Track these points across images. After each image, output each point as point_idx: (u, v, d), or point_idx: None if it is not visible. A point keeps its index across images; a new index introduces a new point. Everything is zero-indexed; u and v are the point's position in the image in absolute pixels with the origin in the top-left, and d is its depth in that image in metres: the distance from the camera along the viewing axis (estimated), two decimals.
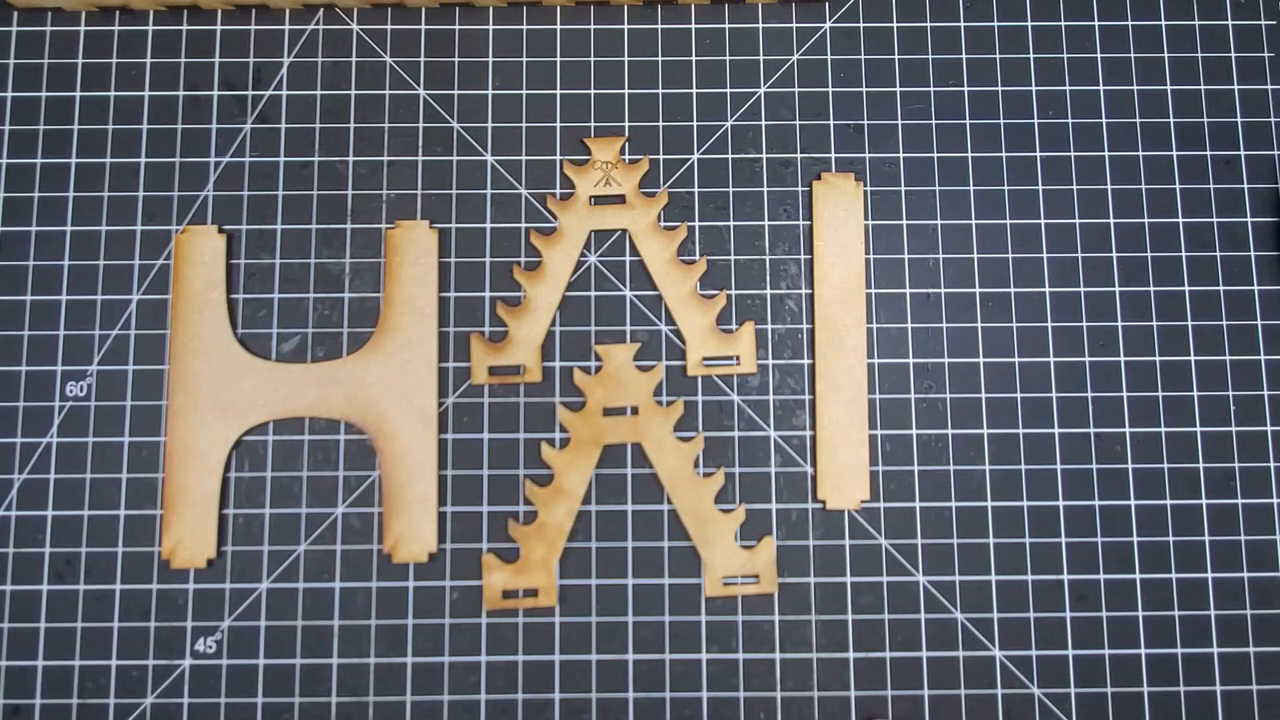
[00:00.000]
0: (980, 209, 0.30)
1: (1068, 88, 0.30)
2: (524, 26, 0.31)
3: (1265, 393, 0.29)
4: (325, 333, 0.29)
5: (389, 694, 0.28)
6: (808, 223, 0.30)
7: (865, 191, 0.30)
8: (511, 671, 0.28)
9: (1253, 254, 0.30)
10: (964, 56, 0.31)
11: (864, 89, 0.30)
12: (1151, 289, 0.30)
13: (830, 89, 0.30)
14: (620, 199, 0.30)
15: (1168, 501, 0.29)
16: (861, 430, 0.29)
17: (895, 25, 0.31)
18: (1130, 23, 0.31)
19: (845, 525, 0.29)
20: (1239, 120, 0.30)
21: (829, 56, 0.31)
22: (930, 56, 0.31)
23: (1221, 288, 0.30)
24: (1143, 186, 0.30)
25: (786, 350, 0.29)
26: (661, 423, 0.29)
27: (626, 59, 0.30)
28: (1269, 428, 0.29)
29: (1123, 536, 0.29)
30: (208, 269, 0.29)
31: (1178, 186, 0.30)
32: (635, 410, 0.29)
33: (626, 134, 0.30)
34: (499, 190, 0.30)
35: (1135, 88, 0.30)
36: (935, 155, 0.30)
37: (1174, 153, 0.30)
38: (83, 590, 0.28)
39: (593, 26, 0.31)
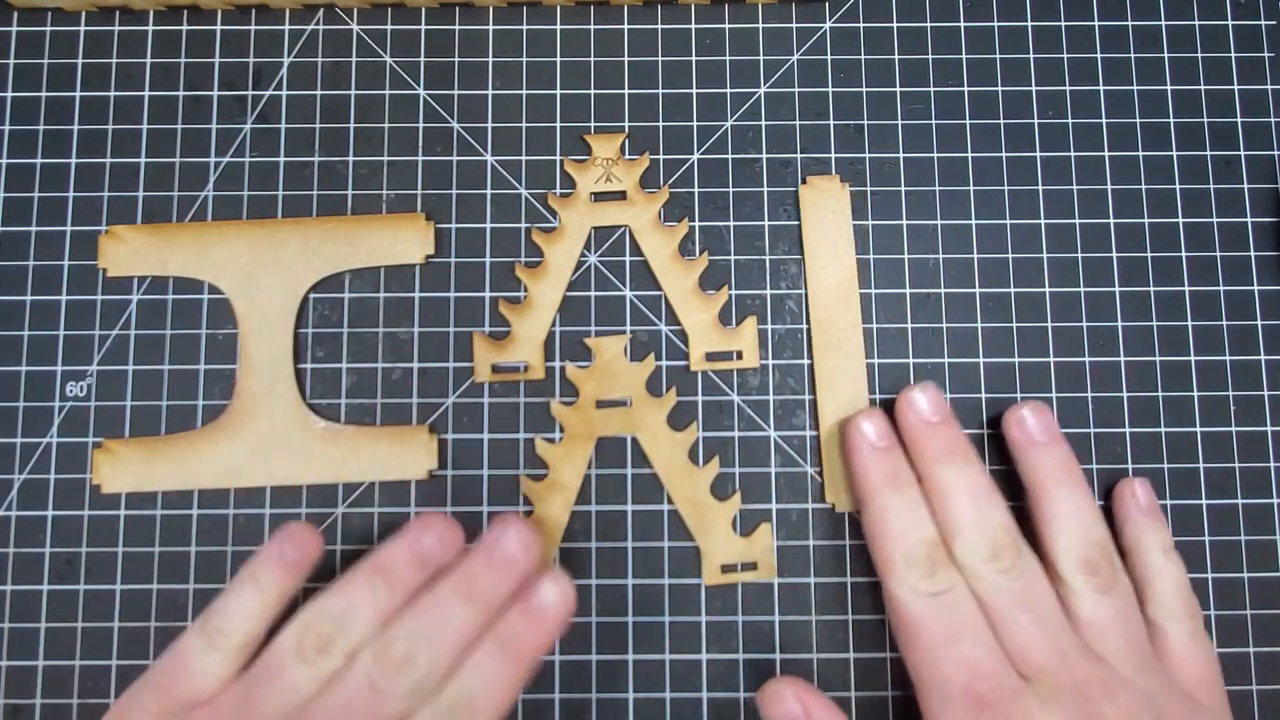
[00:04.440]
0: (980, 209, 0.30)
1: (1068, 88, 0.30)
2: (524, 26, 0.31)
3: (1265, 393, 0.29)
4: (324, 333, 0.29)
5: None
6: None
7: (866, 192, 0.30)
8: None
9: (1253, 254, 0.30)
10: (964, 56, 0.31)
11: (864, 89, 0.30)
12: (1151, 289, 0.30)
13: (830, 89, 0.30)
14: (621, 195, 0.30)
15: (1168, 501, 0.29)
16: None
17: (895, 25, 0.31)
18: (1130, 23, 0.31)
19: (845, 525, 0.29)
20: (1239, 120, 0.30)
21: (829, 56, 0.31)
22: (930, 56, 0.31)
23: (1221, 288, 0.30)
24: (1143, 186, 0.30)
25: (787, 350, 0.29)
26: (655, 414, 0.29)
27: (626, 59, 0.30)
28: (1269, 428, 0.29)
29: None
30: None
31: (1178, 186, 0.30)
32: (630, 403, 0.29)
33: (627, 133, 0.30)
34: (499, 190, 0.30)
35: (1135, 88, 0.30)
36: (935, 155, 0.30)
37: (1174, 153, 0.30)
38: (83, 590, 0.28)
39: (593, 26, 0.31)
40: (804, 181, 0.30)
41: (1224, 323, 0.29)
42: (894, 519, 0.25)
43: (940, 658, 0.24)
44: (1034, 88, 0.30)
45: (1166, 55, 0.31)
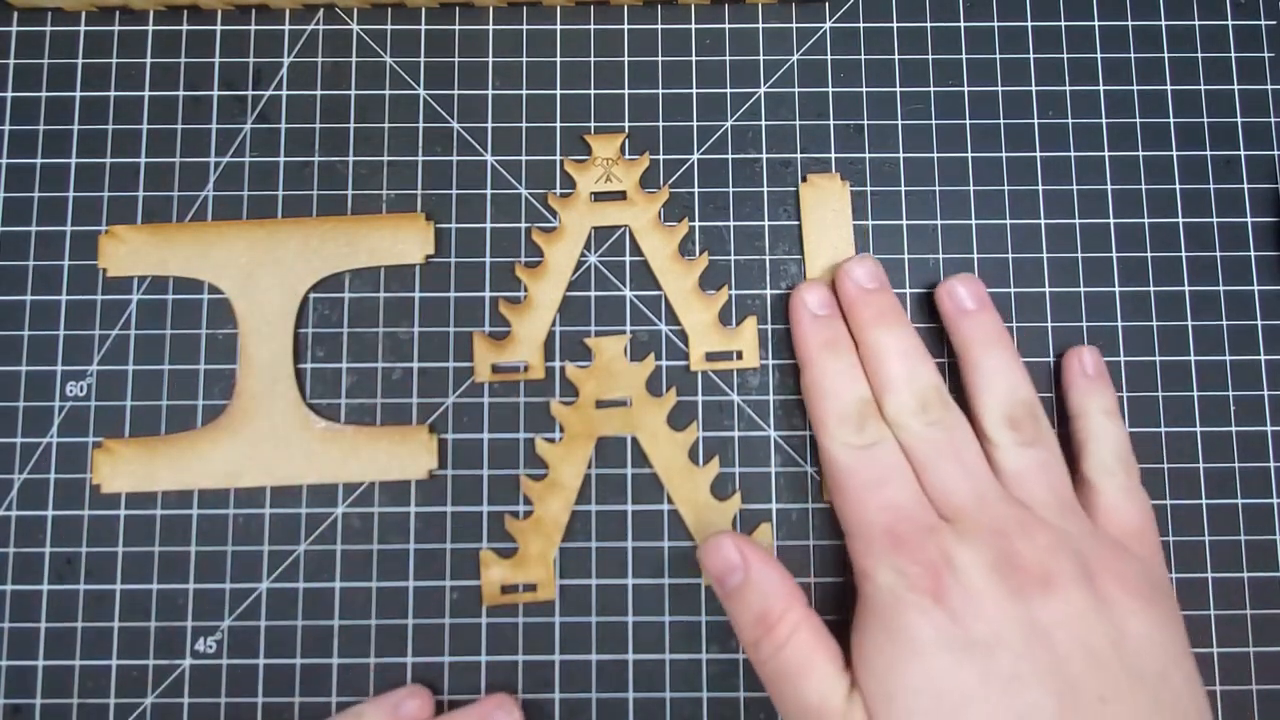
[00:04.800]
0: (980, 209, 0.30)
1: (1068, 88, 0.30)
2: (524, 26, 0.31)
3: (1265, 393, 0.29)
4: (325, 333, 0.29)
5: None
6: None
7: (866, 192, 0.30)
8: (511, 671, 0.28)
9: (1253, 254, 0.30)
10: (964, 56, 0.31)
11: (864, 89, 0.30)
12: (1151, 289, 0.30)
13: (830, 89, 0.30)
14: (621, 195, 0.30)
15: (1168, 501, 0.29)
16: None
17: (895, 25, 0.31)
18: (1130, 23, 0.31)
19: None
20: (1239, 120, 0.30)
21: (829, 56, 0.31)
22: (930, 56, 0.31)
23: (1221, 288, 0.30)
24: (1143, 186, 0.30)
25: (786, 350, 0.29)
26: (655, 414, 0.29)
27: (626, 59, 0.30)
28: (1269, 428, 0.29)
29: None
30: None
31: (1178, 186, 0.30)
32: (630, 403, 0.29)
33: (627, 132, 0.30)
34: (499, 190, 0.30)
35: (1135, 88, 0.31)
36: (935, 155, 0.30)
37: (1174, 153, 0.30)
38: (83, 590, 0.28)
39: (593, 26, 0.31)
40: (804, 180, 0.30)
41: (1224, 323, 0.29)
42: (830, 381, 0.27)
43: (865, 503, 0.25)
44: (1034, 88, 0.30)
45: (1166, 55, 0.31)
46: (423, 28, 0.31)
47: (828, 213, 0.30)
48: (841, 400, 0.26)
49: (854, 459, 0.26)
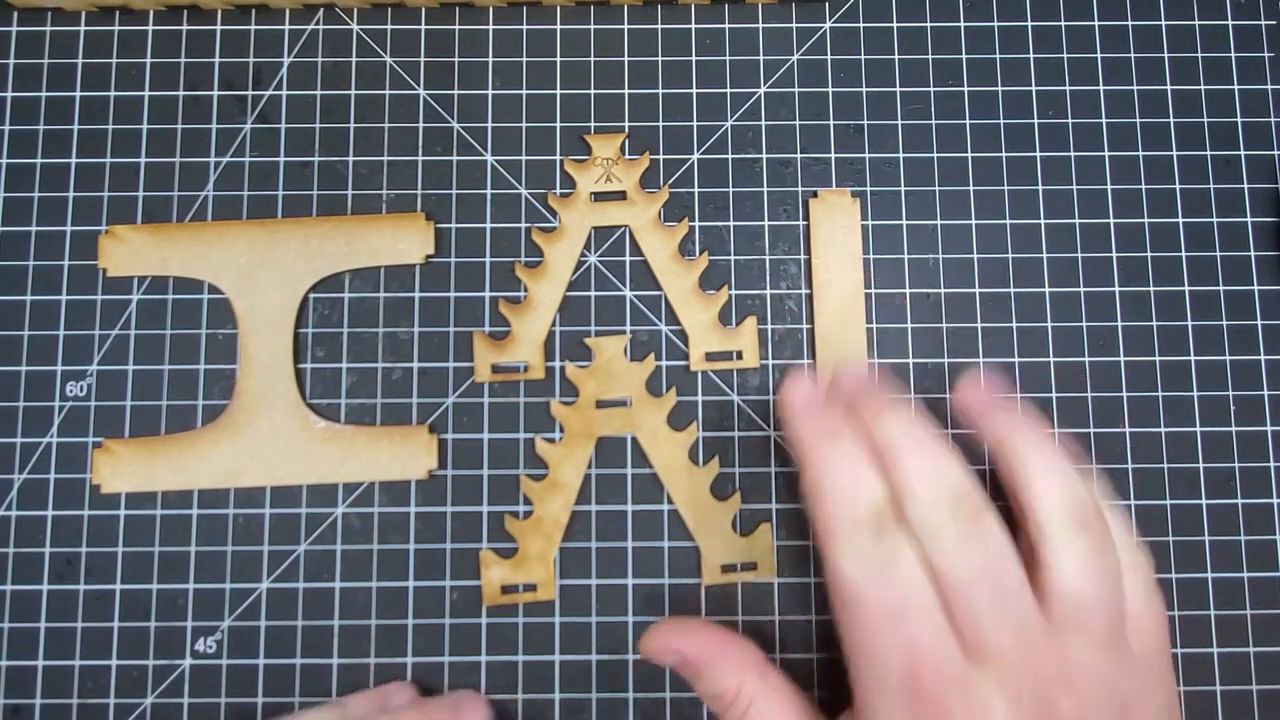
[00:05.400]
0: (980, 209, 0.30)
1: (1068, 88, 0.30)
2: (524, 26, 0.31)
3: (1265, 393, 0.29)
4: (325, 333, 0.29)
5: None
6: (807, 223, 0.30)
7: (866, 192, 0.30)
8: (511, 671, 0.28)
9: (1253, 254, 0.30)
10: (964, 56, 0.31)
11: (864, 89, 0.30)
12: (1151, 289, 0.30)
13: (830, 89, 0.30)
14: (621, 195, 0.30)
15: (1167, 501, 0.29)
16: None
17: (895, 25, 0.31)
18: (1130, 23, 0.31)
19: None
20: (1239, 120, 0.30)
21: (829, 56, 0.31)
22: (930, 56, 0.31)
23: (1221, 288, 0.30)
24: (1143, 186, 0.30)
25: (787, 350, 0.29)
26: (655, 414, 0.29)
27: (626, 59, 0.30)
28: (1269, 428, 0.29)
29: None
30: None
31: (1178, 186, 0.30)
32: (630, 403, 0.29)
33: (627, 132, 0.30)
34: (499, 190, 0.30)
35: (1135, 88, 0.31)
36: (935, 155, 0.30)
37: (1174, 153, 0.30)
38: (83, 590, 0.28)
39: (593, 26, 0.31)
40: (814, 195, 0.30)
41: (1224, 323, 0.29)
42: (834, 479, 0.22)
43: (879, 639, 0.21)
44: (1034, 88, 0.30)
45: (1166, 55, 0.31)
46: (423, 28, 0.31)
47: (836, 228, 0.30)
48: (852, 502, 0.22)
49: (868, 579, 0.21)
